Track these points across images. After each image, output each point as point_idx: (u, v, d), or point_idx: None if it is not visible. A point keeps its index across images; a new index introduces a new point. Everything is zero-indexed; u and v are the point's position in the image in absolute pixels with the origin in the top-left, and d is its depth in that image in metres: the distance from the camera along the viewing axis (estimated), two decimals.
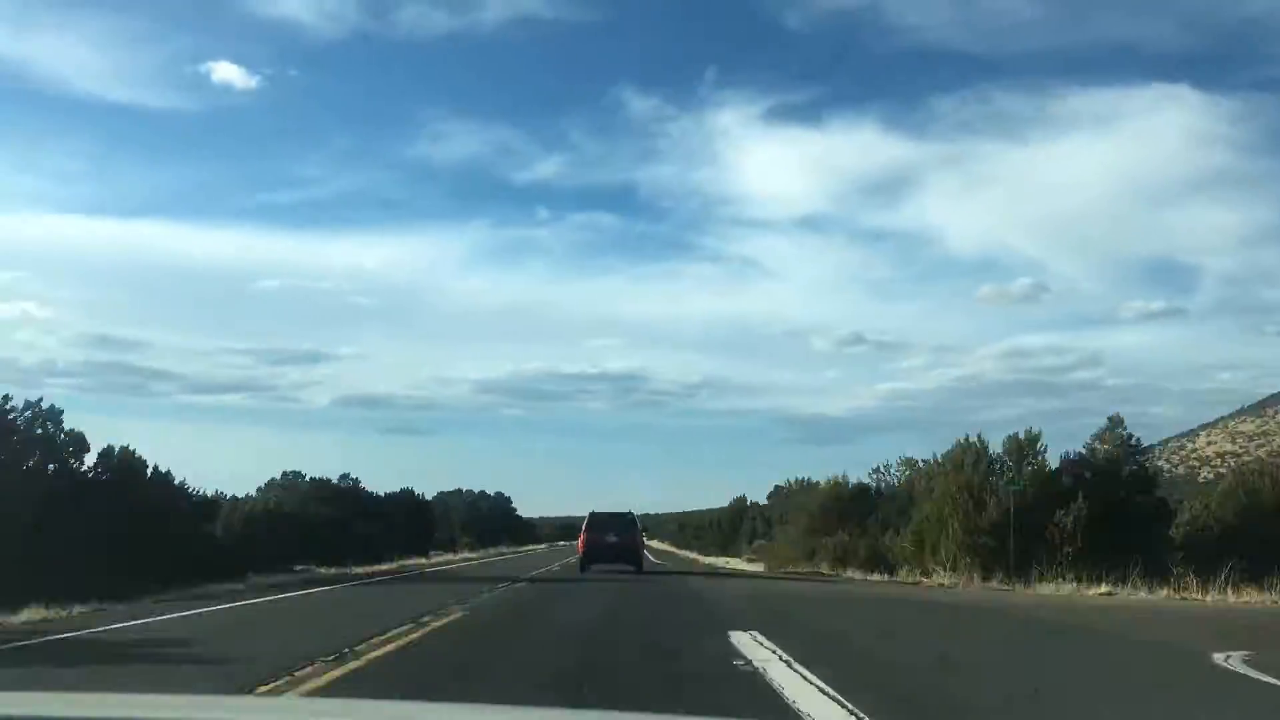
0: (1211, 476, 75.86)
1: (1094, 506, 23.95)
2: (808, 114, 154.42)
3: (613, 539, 27.91)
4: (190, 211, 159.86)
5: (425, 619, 13.05)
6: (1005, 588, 23.33)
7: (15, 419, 19.00)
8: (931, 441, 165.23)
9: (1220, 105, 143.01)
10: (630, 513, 30.34)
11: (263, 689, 7.66)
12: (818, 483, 41.78)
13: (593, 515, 28.97)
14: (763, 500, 60.73)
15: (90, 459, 20.96)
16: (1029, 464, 25.99)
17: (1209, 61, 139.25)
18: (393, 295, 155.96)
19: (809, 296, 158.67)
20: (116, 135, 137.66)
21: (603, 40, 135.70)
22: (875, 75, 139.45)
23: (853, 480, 38.12)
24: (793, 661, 9.30)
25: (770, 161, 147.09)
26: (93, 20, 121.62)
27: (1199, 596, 20.14)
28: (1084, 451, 26.71)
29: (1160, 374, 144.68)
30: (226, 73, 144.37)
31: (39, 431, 19.43)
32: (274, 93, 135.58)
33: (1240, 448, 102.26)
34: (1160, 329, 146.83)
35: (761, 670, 8.91)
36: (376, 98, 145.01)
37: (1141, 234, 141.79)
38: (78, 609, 14.40)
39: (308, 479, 39.94)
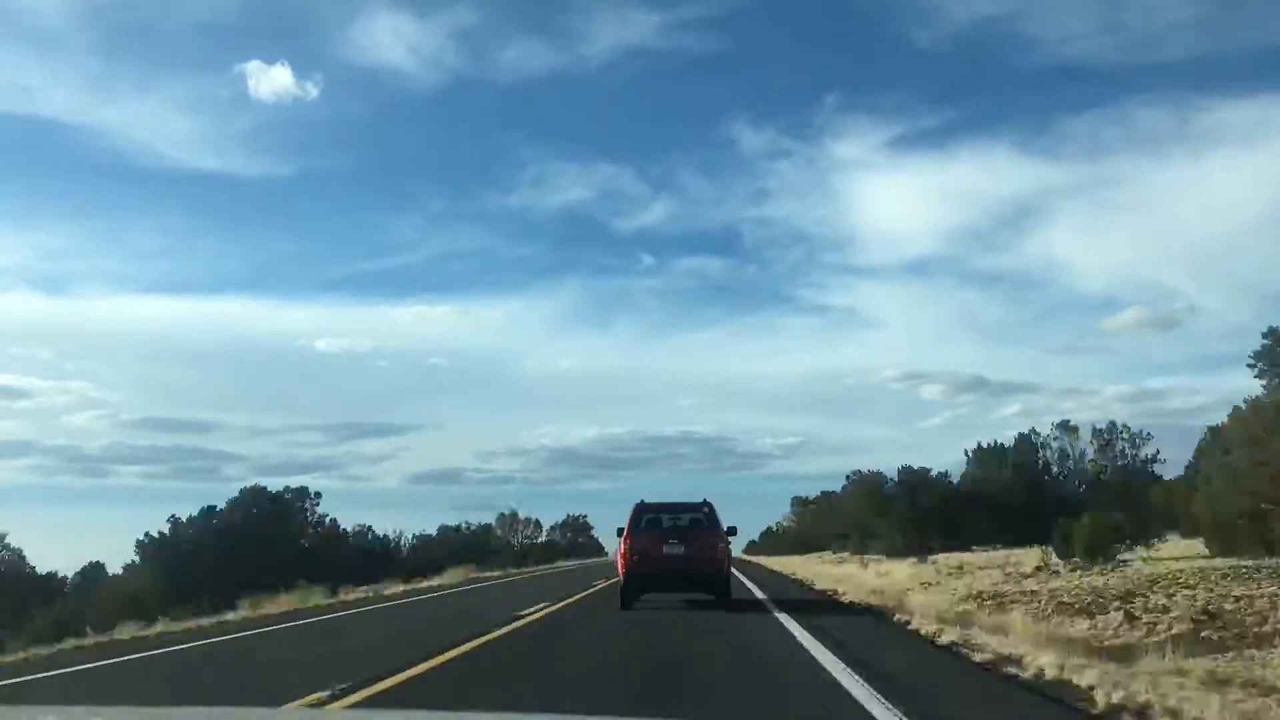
0: None
1: None
2: (934, 141, 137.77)
3: (676, 548, 17.55)
4: (271, 285, 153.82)
5: None
6: None
7: None
8: None
9: None
10: (706, 502, 18.67)
11: None
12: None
13: (641, 507, 18.35)
14: None
15: None
16: None
17: None
18: (475, 362, 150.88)
19: (916, 346, 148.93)
20: (202, 207, 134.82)
21: (716, 69, 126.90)
22: (1009, 94, 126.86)
23: None
24: None
25: (891, 196, 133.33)
26: (174, 82, 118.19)
27: None
28: None
29: None
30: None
31: None
32: (369, 149, 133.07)
33: None
34: None
35: None
36: (477, 146, 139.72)
37: None
38: None
39: None
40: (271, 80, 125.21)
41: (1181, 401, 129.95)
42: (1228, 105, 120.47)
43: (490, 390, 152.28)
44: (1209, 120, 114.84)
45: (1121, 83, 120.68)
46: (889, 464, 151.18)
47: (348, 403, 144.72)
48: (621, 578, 17.68)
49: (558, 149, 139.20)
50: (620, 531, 18.09)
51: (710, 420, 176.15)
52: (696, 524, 18.17)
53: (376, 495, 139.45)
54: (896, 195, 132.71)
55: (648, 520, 18.13)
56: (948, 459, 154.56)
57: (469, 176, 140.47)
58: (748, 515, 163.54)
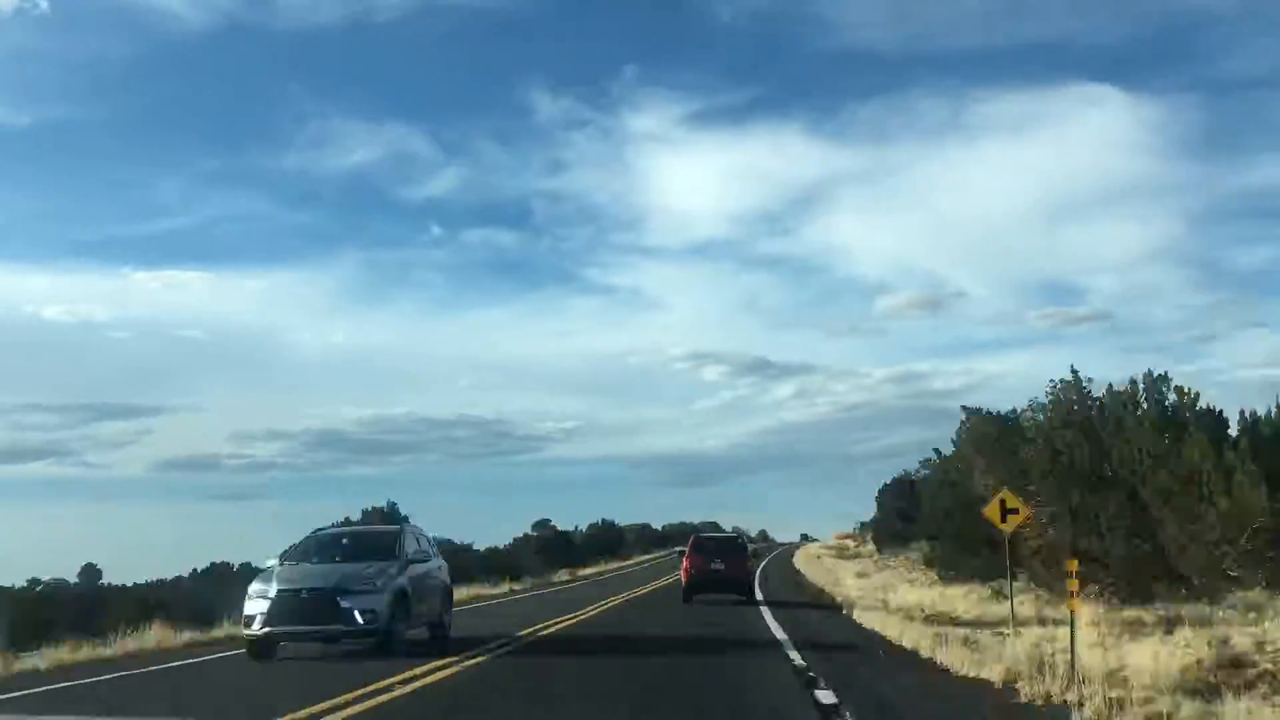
0: None
1: None
2: (731, 119, 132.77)
3: (718, 565, 26.24)
4: (4, 249, 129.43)
5: None
6: None
7: None
8: (810, 475, 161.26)
9: (1144, 108, 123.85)
10: (739, 535, 27.95)
11: None
12: None
13: (696, 539, 27.56)
14: None
15: None
16: None
17: (1143, 58, 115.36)
18: (236, 338, 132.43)
19: (702, 328, 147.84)
20: None
21: (516, 30, 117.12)
22: (803, 76, 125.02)
23: None
24: None
25: (683, 175, 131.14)
26: None
27: None
28: None
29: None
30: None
31: None
32: (125, 97, 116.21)
33: None
34: (1058, 349, 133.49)
35: None
36: (252, 99, 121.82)
37: (1044, 250, 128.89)
38: None
39: None
40: None
41: (942, 383, 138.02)
42: (998, 97, 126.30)
43: (253, 368, 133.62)
44: (981, 111, 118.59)
45: (904, 71, 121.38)
46: (665, 447, 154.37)
47: (86, 380, 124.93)
48: (684, 582, 26.66)
49: (342, 106, 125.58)
50: (682, 552, 28.01)
51: (490, 402, 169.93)
52: (731, 549, 27.16)
53: (118, 485, 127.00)
54: (689, 174, 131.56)
55: (700, 547, 27.00)
56: (719, 443, 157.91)
57: (241, 133, 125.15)
58: (522, 502, 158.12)
